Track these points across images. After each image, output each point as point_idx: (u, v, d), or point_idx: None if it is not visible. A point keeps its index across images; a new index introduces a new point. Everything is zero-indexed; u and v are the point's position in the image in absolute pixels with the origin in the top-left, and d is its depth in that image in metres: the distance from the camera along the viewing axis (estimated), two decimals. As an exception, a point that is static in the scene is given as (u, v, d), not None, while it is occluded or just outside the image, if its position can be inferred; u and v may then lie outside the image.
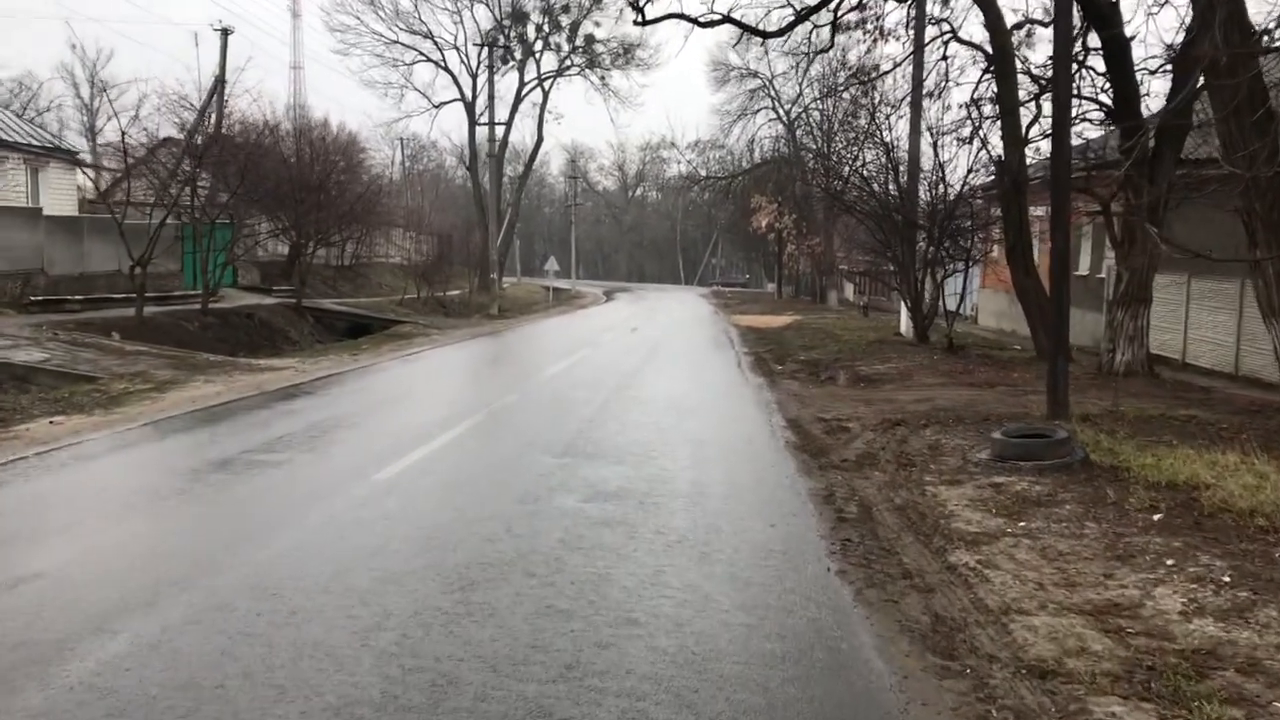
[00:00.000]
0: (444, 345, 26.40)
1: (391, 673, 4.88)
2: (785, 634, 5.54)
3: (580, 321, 38.97)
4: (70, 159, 32.80)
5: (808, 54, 32.74)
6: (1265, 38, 11.85)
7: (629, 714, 4.49)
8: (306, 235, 33.54)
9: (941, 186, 23.77)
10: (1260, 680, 4.85)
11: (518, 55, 55.66)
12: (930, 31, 22.70)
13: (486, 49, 49.99)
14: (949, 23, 22.06)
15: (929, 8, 22.94)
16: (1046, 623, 5.68)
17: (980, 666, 5.14)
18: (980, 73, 20.85)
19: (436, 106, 55.91)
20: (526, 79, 56.86)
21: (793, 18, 20.46)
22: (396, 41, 53.10)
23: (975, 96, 20.83)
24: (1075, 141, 16.41)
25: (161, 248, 25.15)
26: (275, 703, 4.55)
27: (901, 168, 25.08)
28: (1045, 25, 19.68)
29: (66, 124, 59.30)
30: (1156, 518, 7.73)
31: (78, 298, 25.31)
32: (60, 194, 31.17)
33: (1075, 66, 16.19)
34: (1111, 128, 17.58)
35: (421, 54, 53.77)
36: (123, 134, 26.51)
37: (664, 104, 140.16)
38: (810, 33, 24.35)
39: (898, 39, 23.85)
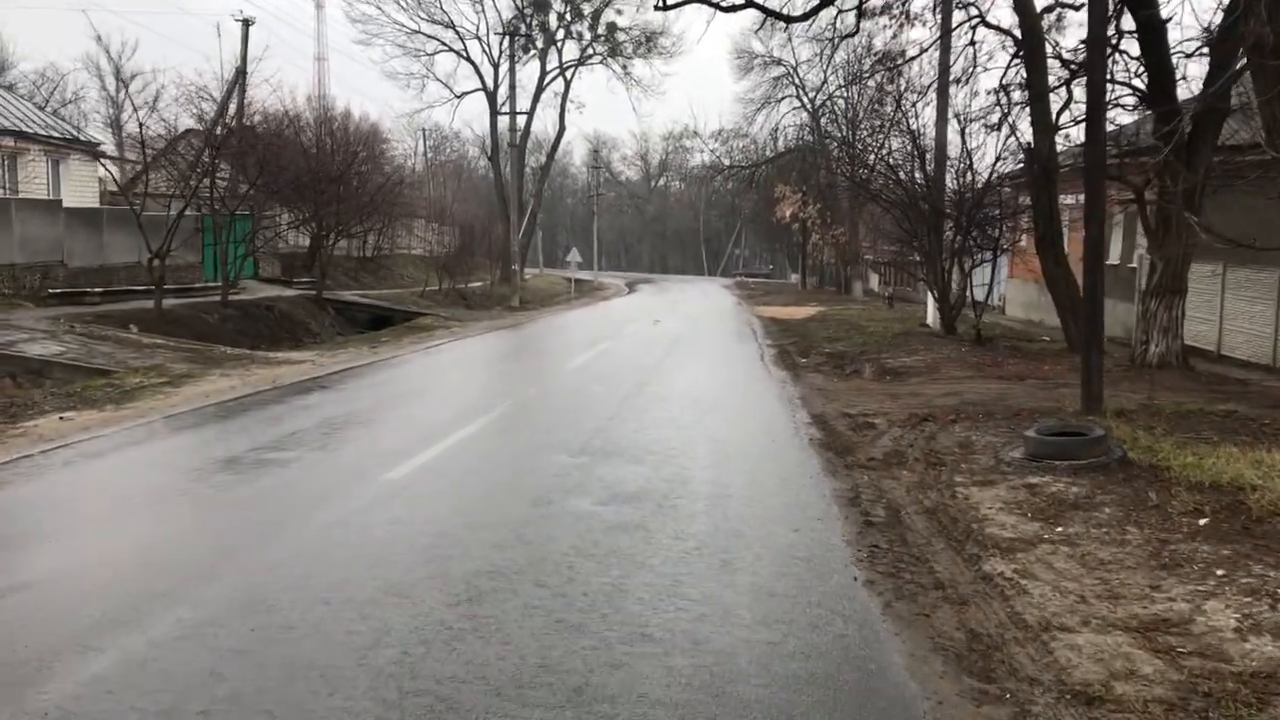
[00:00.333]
0: (464, 338, 26.14)
1: (388, 696, 4.57)
2: (810, 652, 5.18)
3: (602, 313, 38.62)
4: (91, 151, 32.70)
5: (832, 40, 32.37)
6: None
7: (640, 745, 4.16)
8: (327, 227, 33.34)
9: (969, 174, 23.25)
10: (1328, 709, 4.45)
11: (539, 44, 55.33)
12: (957, 16, 22.22)
13: (508, 38, 49.59)
14: (976, 6, 21.48)
15: (956, -9, 22.40)
16: (1091, 641, 5.29)
17: (1021, 690, 4.76)
18: (1009, 58, 20.36)
19: (458, 96, 55.89)
20: (548, 68, 56.63)
21: (817, 2, 20.01)
22: (418, 31, 53.08)
23: (1004, 82, 20.30)
24: (1108, 127, 15.90)
25: (181, 239, 25.01)
26: (262, 730, 4.25)
27: (928, 155, 24.62)
28: (1076, 8, 19.17)
29: (90, 116, 59.40)
30: (1202, 522, 7.29)
31: (97, 290, 25.19)
32: (81, 186, 31.13)
33: (1109, 50, 15.68)
34: (1147, 112, 17.03)
35: (443, 43, 53.74)
36: (140, 126, 26.42)
37: (687, 92, 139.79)
38: (835, 18, 24.02)
39: (924, 24, 23.23)
